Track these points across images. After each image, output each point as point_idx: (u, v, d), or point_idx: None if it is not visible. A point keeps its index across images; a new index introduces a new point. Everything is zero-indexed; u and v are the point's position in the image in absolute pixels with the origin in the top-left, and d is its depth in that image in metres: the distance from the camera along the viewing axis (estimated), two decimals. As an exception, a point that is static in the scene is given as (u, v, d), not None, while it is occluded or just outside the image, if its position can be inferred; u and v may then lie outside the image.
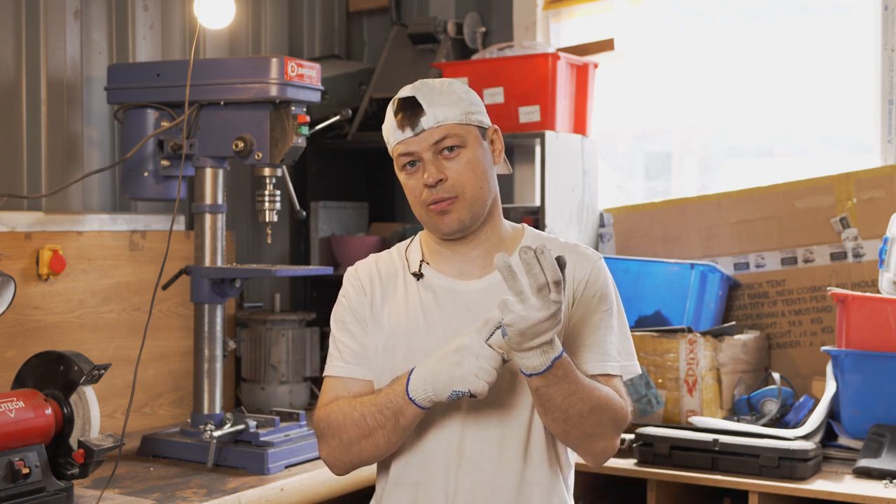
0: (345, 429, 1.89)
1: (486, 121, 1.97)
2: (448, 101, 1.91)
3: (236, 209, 3.66)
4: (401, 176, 1.95)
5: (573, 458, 2.00)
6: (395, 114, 1.91)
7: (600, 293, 1.95)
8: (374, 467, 2.03)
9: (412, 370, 1.82)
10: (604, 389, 1.85)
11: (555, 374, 1.75)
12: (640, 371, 2.01)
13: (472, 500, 1.89)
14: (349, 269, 2.04)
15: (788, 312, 3.47)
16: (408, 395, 1.81)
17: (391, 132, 1.93)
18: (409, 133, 1.90)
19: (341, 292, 2.02)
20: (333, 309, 2.03)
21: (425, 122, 1.89)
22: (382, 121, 1.98)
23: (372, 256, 2.05)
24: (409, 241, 2.06)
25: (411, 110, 1.89)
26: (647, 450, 2.92)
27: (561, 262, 1.70)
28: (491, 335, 1.75)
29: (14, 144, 2.98)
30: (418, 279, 1.97)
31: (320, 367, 3.53)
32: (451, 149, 1.89)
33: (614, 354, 1.94)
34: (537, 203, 3.51)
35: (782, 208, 3.48)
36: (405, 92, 1.93)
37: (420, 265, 1.98)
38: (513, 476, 1.89)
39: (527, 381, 1.79)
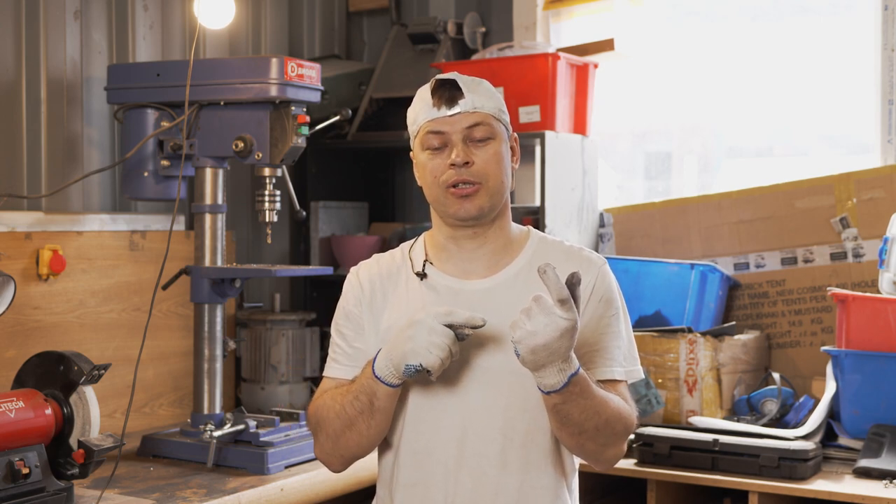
0: (329, 421, 1.90)
1: (510, 126, 1.99)
2: (486, 93, 1.93)
3: (236, 209, 3.66)
4: (422, 156, 1.93)
5: (577, 462, 1.99)
6: (433, 92, 1.91)
7: (606, 297, 1.94)
8: (374, 467, 2.03)
9: (379, 351, 1.85)
10: (615, 400, 1.84)
11: (571, 391, 1.74)
12: (643, 376, 2.00)
13: (472, 503, 1.87)
14: (352, 269, 2.04)
15: (788, 312, 3.47)
16: (374, 373, 1.83)
17: (423, 110, 1.92)
18: (444, 112, 1.89)
19: (341, 295, 2.03)
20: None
21: (463, 104, 1.89)
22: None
23: (375, 256, 2.04)
24: (412, 241, 2.04)
25: (450, 91, 1.90)
26: (647, 450, 2.92)
27: (575, 279, 1.69)
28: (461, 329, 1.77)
29: (14, 144, 2.98)
30: (421, 279, 1.96)
31: (320, 367, 3.53)
32: (481, 139, 1.90)
33: (620, 360, 1.93)
34: (537, 203, 3.51)
35: (782, 208, 3.48)
36: (443, 76, 1.93)
37: (424, 265, 1.97)
38: (516, 479, 1.88)
39: (544, 399, 1.78)
